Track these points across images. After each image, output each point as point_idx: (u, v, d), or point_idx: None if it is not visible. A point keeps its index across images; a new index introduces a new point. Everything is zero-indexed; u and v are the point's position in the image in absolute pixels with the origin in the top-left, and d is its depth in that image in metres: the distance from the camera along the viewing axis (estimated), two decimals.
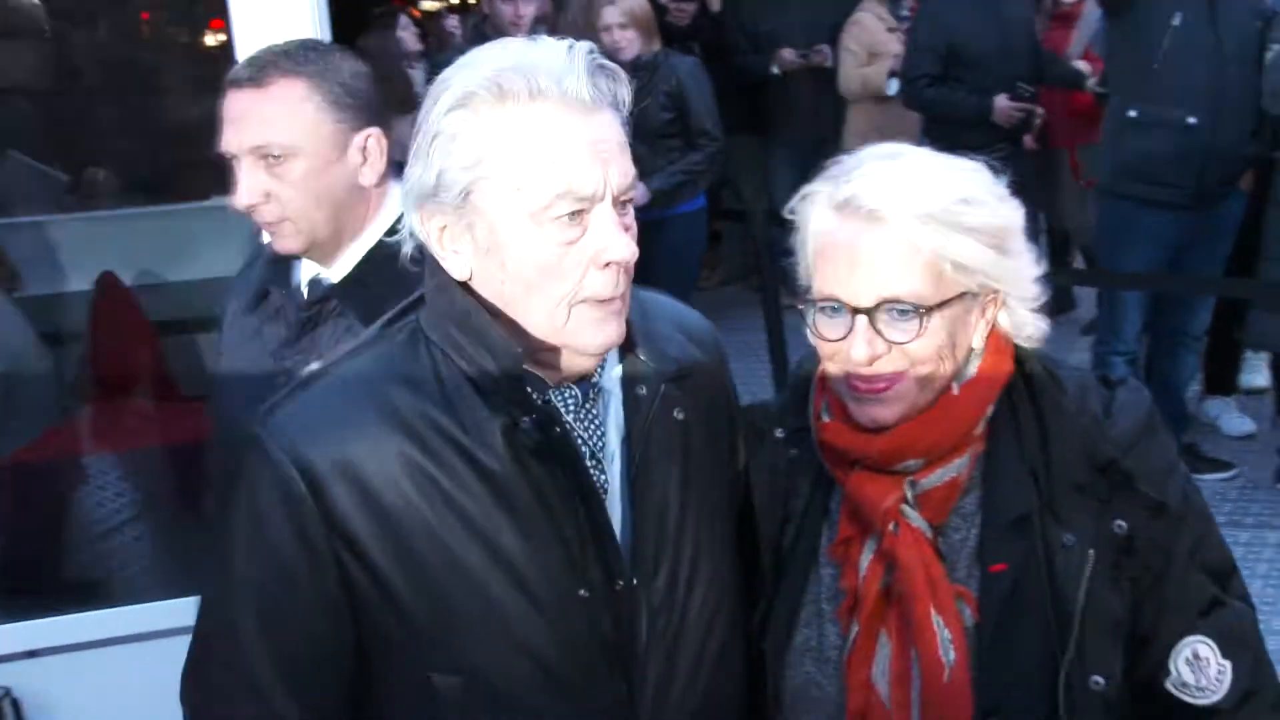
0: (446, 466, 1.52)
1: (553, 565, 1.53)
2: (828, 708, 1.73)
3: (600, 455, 1.59)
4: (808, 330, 1.69)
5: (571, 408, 1.58)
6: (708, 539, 1.68)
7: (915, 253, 1.61)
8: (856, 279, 1.62)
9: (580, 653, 1.55)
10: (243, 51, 2.57)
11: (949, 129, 6.83)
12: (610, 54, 5.73)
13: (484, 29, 5.97)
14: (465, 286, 1.55)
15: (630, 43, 5.63)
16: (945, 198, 1.62)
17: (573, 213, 1.47)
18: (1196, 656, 1.71)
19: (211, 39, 4.25)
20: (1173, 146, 4.95)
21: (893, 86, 7.02)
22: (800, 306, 1.70)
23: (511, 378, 1.51)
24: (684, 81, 5.65)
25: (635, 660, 1.59)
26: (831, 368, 1.70)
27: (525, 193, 1.47)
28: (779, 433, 1.82)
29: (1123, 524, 1.67)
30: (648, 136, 5.49)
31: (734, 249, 7.82)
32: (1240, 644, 1.74)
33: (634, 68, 5.69)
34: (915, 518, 1.69)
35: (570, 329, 1.52)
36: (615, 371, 1.63)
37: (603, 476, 1.59)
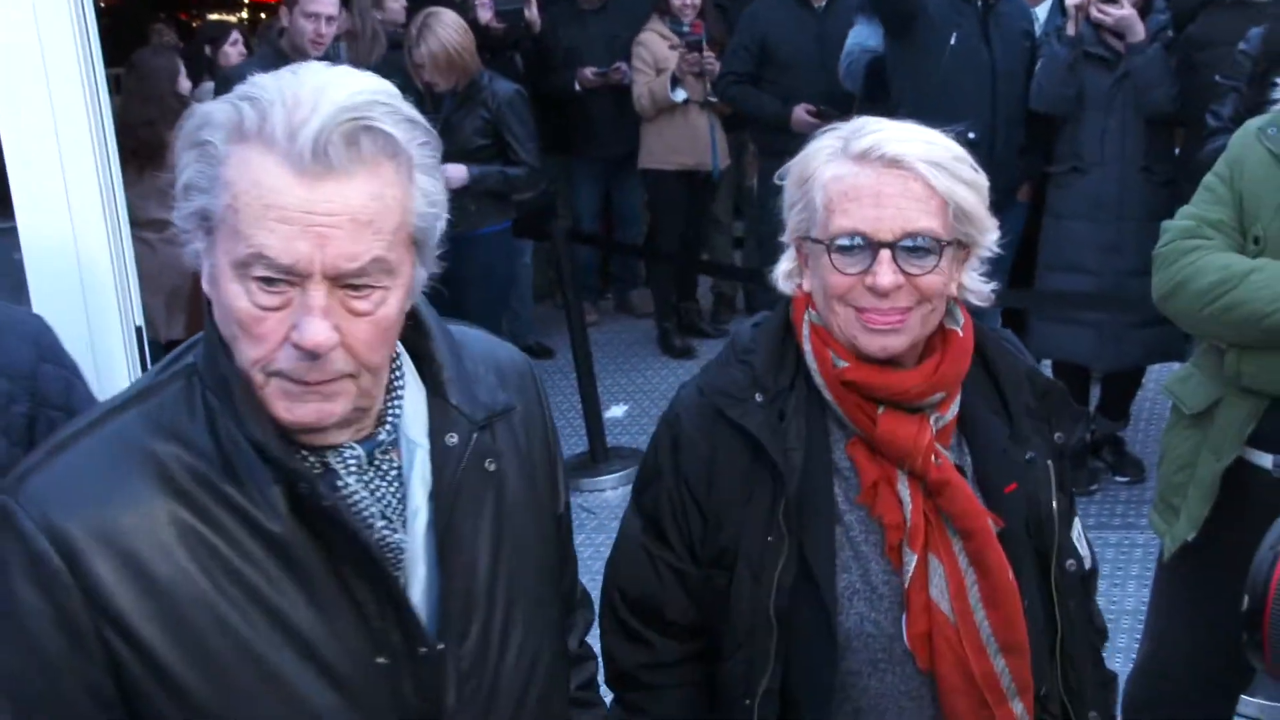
0: (224, 531, 1.39)
1: (346, 633, 1.43)
2: (881, 641, 1.90)
3: (393, 515, 1.47)
4: (785, 280, 1.93)
5: (353, 467, 1.45)
6: (521, 590, 1.59)
7: (931, 194, 1.80)
8: (882, 215, 1.79)
9: None
10: None
11: (751, 135, 7.01)
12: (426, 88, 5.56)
13: (280, 45, 5.77)
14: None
15: (437, 79, 5.62)
16: (947, 152, 1.83)
17: (270, 279, 1.32)
18: (1079, 534, 2.06)
19: None
20: None
21: (679, 95, 7.12)
22: (805, 249, 1.89)
23: (273, 441, 1.38)
24: (503, 111, 5.60)
25: None
26: (840, 308, 1.85)
27: (233, 241, 1.33)
28: (759, 397, 1.91)
29: (1061, 435, 2.00)
30: (460, 158, 5.44)
31: (540, 267, 7.79)
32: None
33: (450, 95, 5.67)
34: (941, 449, 1.89)
35: (268, 397, 1.38)
36: (421, 421, 1.52)
37: (396, 536, 1.46)
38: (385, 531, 1.45)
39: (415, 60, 5.64)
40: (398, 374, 1.51)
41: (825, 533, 1.90)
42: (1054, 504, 1.96)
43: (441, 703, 1.50)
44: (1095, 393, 5.67)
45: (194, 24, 11.49)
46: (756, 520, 1.90)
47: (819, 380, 1.90)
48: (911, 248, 1.79)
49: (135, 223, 2.72)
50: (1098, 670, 2.11)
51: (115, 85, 5.04)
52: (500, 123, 5.61)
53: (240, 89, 1.37)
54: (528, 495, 1.63)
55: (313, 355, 1.33)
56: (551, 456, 1.72)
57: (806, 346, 1.92)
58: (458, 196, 5.63)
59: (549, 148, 6.65)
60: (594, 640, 1.97)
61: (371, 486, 1.46)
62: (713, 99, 7.12)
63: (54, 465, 1.41)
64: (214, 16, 11.44)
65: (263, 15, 11.90)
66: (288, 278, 1.32)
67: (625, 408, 6.84)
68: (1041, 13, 5.49)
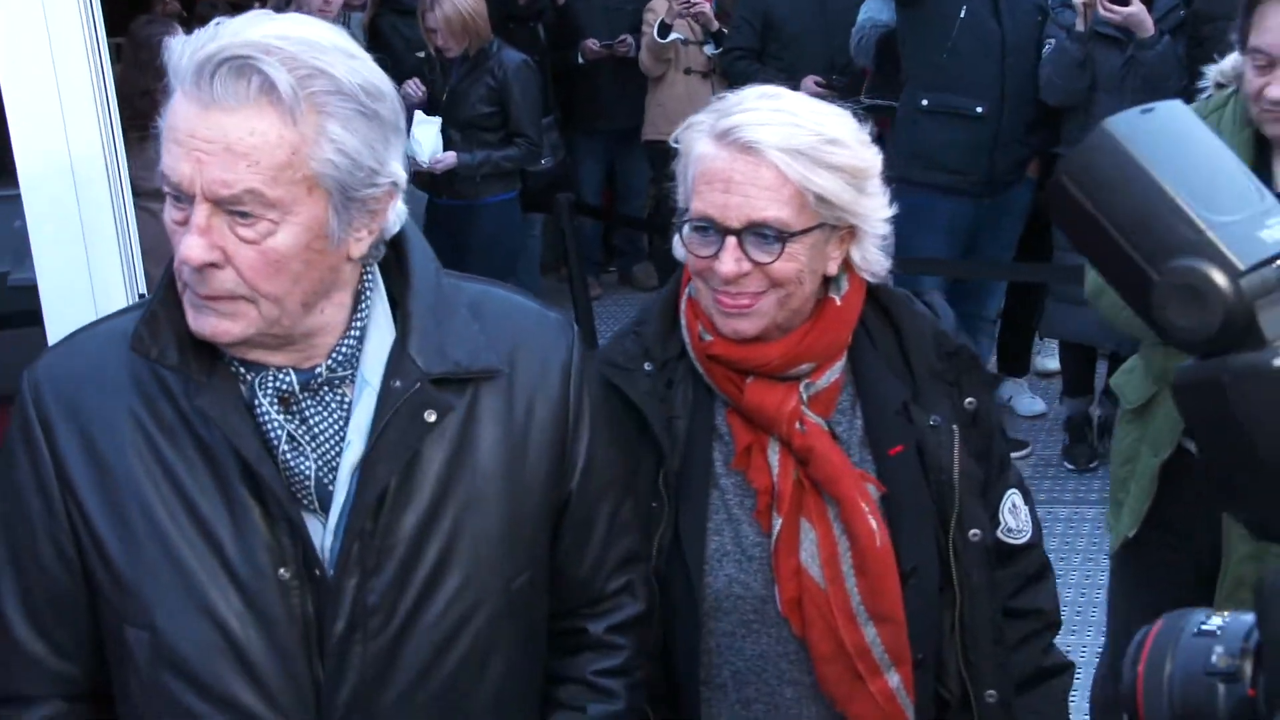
0: (169, 431, 1.56)
1: (254, 544, 1.56)
2: (752, 603, 1.90)
3: (322, 443, 1.58)
4: (680, 247, 1.87)
5: (271, 392, 1.56)
6: (469, 548, 1.63)
7: (783, 183, 1.77)
8: (729, 202, 1.78)
9: (276, 633, 1.57)
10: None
11: None
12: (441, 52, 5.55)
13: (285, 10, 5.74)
14: None
15: (449, 44, 5.58)
16: (813, 136, 1.78)
17: (175, 196, 1.46)
18: (1014, 506, 2.06)
19: None
20: (962, 135, 5.11)
21: (669, 37, 7.02)
22: (674, 224, 1.88)
23: (172, 350, 1.54)
24: (509, 79, 5.56)
25: (331, 651, 1.58)
26: (701, 285, 1.87)
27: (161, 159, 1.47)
28: (648, 365, 1.93)
29: (972, 400, 1.98)
30: (464, 126, 5.39)
31: (547, 239, 7.75)
32: (1024, 488, 2.11)
33: (460, 60, 5.63)
34: (813, 416, 1.90)
35: (185, 306, 1.51)
36: (379, 363, 1.60)
37: (304, 462, 1.56)
38: (288, 456, 1.56)
39: (428, 25, 5.61)
40: (360, 315, 1.60)
41: (700, 497, 1.92)
42: (955, 469, 1.92)
43: (331, 628, 1.58)
44: (1103, 372, 5.66)
45: None
46: (643, 488, 1.90)
47: (691, 353, 1.93)
48: (759, 235, 1.78)
49: (137, 192, 2.69)
50: (999, 648, 2.02)
51: (116, 54, 5.00)
52: (504, 92, 5.57)
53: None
54: (505, 460, 1.66)
55: (193, 267, 1.45)
56: (565, 433, 1.72)
57: (682, 319, 1.94)
58: (463, 168, 5.62)
59: (560, 121, 6.62)
60: None
61: (309, 414, 1.58)
62: (709, 52, 7.02)
63: (60, 348, 1.67)
64: None
65: None
66: (182, 195, 1.45)
67: None
68: None
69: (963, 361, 1.97)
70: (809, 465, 1.87)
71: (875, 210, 1.87)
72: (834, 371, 1.92)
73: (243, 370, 1.56)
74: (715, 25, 6.94)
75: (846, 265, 1.91)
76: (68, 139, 2.48)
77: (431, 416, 1.59)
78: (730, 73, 6.77)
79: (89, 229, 2.53)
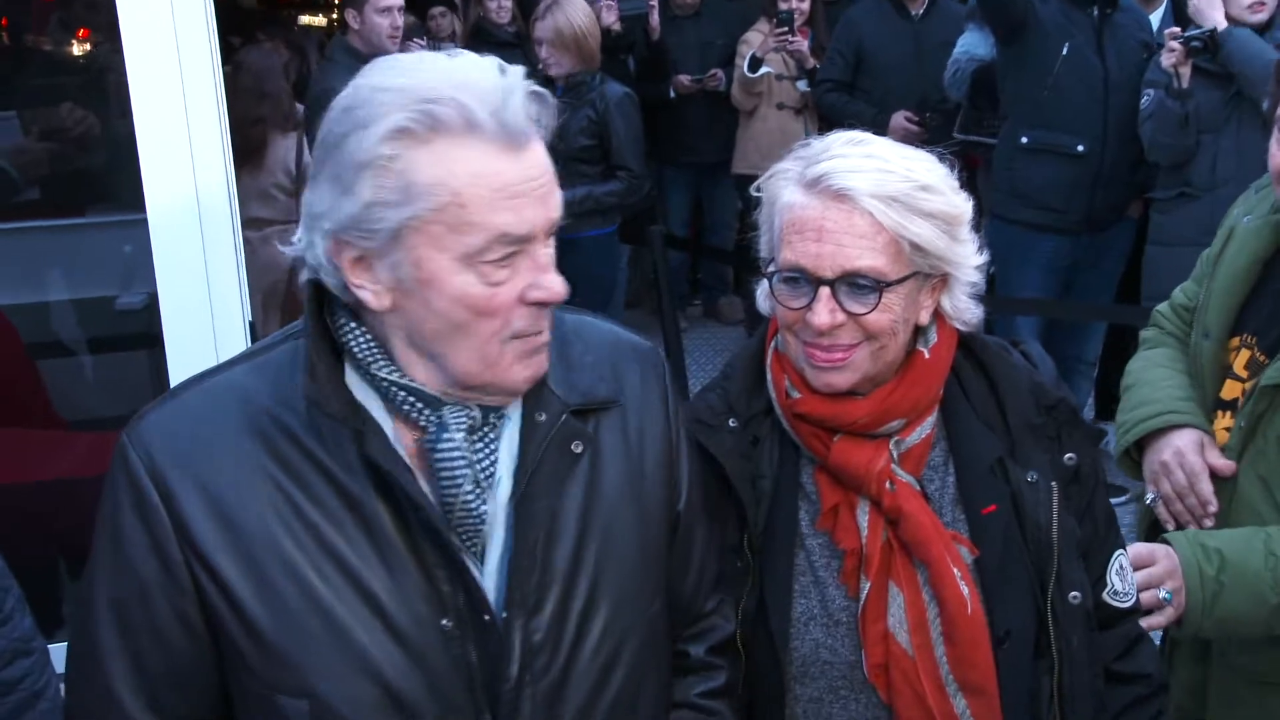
0: (306, 486, 1.49)
1: (412, 594, 1.50)
2: (840, 669, 1.84)
3: (484, 481, 1.53)
4: (765, 299, 1.83)
5: (464, 425, 1.52)
6: (610, 576, 1.61)
7: (878, 231, 1.72)
8: (823, 252, 1.73)
9: (440, 685, 1.51)
10: (132, 56, 2.45)
11: None
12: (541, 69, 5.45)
13: (353, 46, 5.68)
14: (354, 312, 1.51)
15: (557, 60, 5.47)
16: (907, 183, 1.73)
17: (507, 254, 1.43)
18: (1122, 567, 1.97)
19: (78, 48, 4.05)
20: (1063, 172, 5.03)
21: (759, 70, 6.99)
22: (762, 276, 1.82)
23: (335, 410, 1.48)
24: (611, 111, 5.51)
25: (504, 697, 1.53)
26: (790, 338, 1.81)
27: (459, 236, 1.41)
28: (732, 422, 1.87)
29: (1073, 456, 1.89)
30: (562, 158, 5.38)
31: (632, 272, 7.78)
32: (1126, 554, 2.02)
33: (561, 90, 5.54)
34: (904, 474, 1.83)
35: (500, 366, 1.49)
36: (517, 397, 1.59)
37: (481, 504, 1.52)
38: (469, 496, 1.50)
39: (536, 34, 5.54)
40: None
41: (785, 559, 1.85)
42: (1053, 528, 1.83)
43: (506, 673, 1.52)
44: None
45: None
46: (728, 547, 1.85)
47: (777, 409, 1.87)
48: (854, 286, 1.73)
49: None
50: (1101, 716, 1.92)
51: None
52: (606, 124, 5.53)
53: (369, 92, 1.42)
54: (629, 488, 1.65)
55: (544, 305, 1.47)
56: (672, 456, 1.72)
57: (768, 374, 1.88)
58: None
59: (649, 153, 6.63)
60: None
61: (474, 449, 1.53)
62: (802, 88, 7.01)
63: (164, 409, 1.55)
64: (304, 19, 11.50)
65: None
66: (518, 248, 1.43)
67: None
68: (1155, 19, 5.37)
69: (1063, 415, 1.89)
70: (899, 526, 1.80)
71: (968, 257, 1.82)
72: (925, 427, 1.85)
73: (420, 405, 1.51)
74: (810, 62, 6.93)
75: (936, 315, 1.86)
76: (194, 167, 2.53)
77: (579, 448, 1.59)
78: (821, 105, 6.78)
79: (210, 254, 2.57)
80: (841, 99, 6.57)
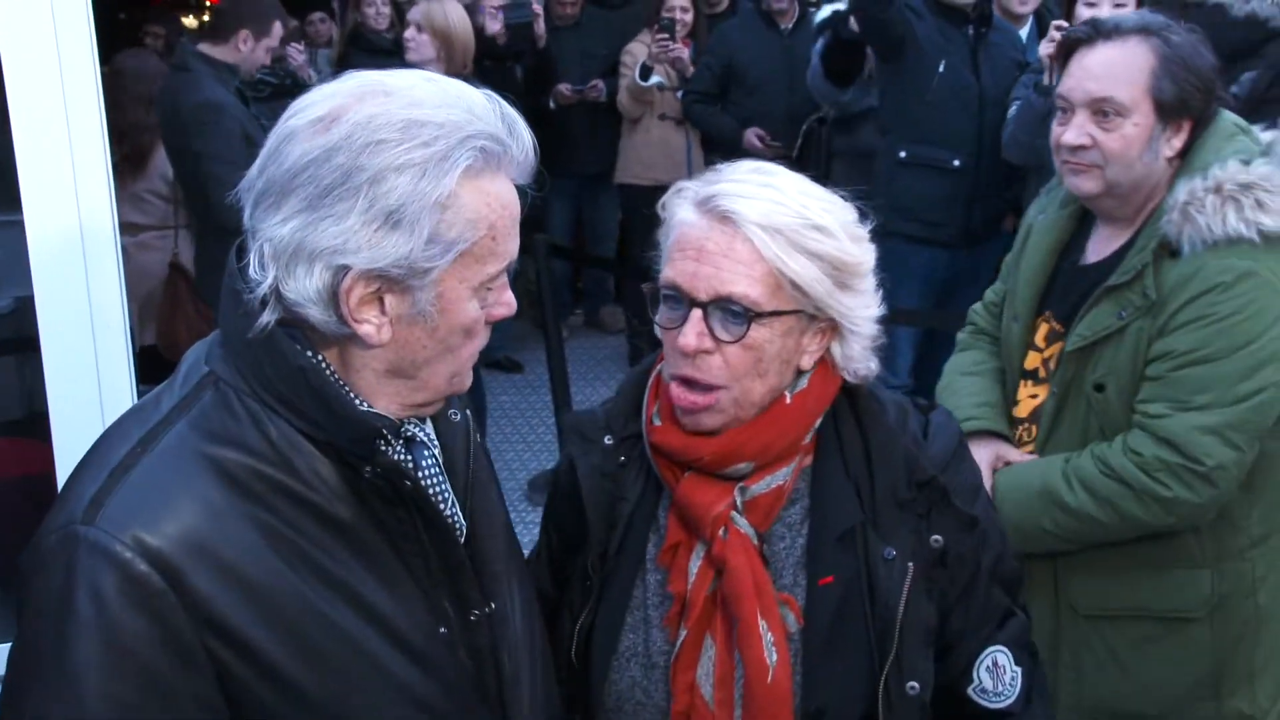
0: (295, 524, 1.42)
1: (415, 607, 1.50)
2: (652, 713, 1.79)
3: (441, 489, 1.55)
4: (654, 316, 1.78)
5: (435, 450, 1.56)
6: (508, 546, 1.68)
7: (757, 260, 1.68)
8: (699, 272, 1.69)
9: (454, 689, 1.53)
10: (9, 59, 2.36)
11: (718, 157, 7.03)
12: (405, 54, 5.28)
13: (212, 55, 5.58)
14: (295, 336, 1.43)
15: (418, 46, 5.32)
16: (797, 219, 1.69)
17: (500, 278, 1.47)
18: (995, 665, 1.86)
19: None
20: (940, 187, 5.15)
21: (651, 80, 7.06)
22: (645, 289, 1.79)
23: (362, 434, 1.44)
24: None
25: (503, 687, 1.58)
26: (668, 361, 1.76)
27: (483, 266, 1.43)
28: (608, 439, 1.84)
29: (939, 538, 1.78)
30: None
31: (513, 280, 7.73)
32: (1024, 651, 1.91)
33: None
34: (743, 524, 1.75)
35: (461, 377, 1.51)
36: None
37: (459, 513, 1.56)
38: (456, 510, 1.55)
39: (407, 18, 5.45)
40: None
41: (622, 590, 1.81)
42: (900, 611, 1.73)
43: (500, 664, 1.57)
44: None
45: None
46: (579, 565, 1.85)
47: (644, 435, 1.83)
48: (726, 311, 1.68)
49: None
50: None
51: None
52: None
53: (410, 134, 1.37)
54: (491, 478, 1.71)
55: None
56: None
57: (645, 397, 1.85)
58: None
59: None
60: None
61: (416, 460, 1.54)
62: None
63: (123, 487, 1.39)
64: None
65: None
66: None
67: None
68: (1021, 35, 5.52)
69: (934, 494, 1.78)
70: (722, 576, 1.74)
71: (859, 309, 1.76)
72: (777, 478, 1.77)
73: (386, 437, 1.48)
74: (691, 71, 7.00)
75: (818, 361, 1.79)
76: (74, 169, 2.44)
77: (479, 436, 1.64)
78: (688, 115, 6.86)
79: (91, 257, 2.49)
80: (706, 110, 6.70)
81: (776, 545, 1.79)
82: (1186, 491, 2.47)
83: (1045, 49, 4.73)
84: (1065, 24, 4.75)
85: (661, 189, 6.63)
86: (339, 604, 1.43)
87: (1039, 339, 2.74)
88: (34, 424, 2.06)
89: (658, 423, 1.80)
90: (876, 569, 1.75)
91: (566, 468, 1.89)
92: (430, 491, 1.52)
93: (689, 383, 1.73)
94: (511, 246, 1.44)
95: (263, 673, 1.39)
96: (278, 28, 5.16)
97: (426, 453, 1.54)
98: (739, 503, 1.75)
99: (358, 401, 1.46)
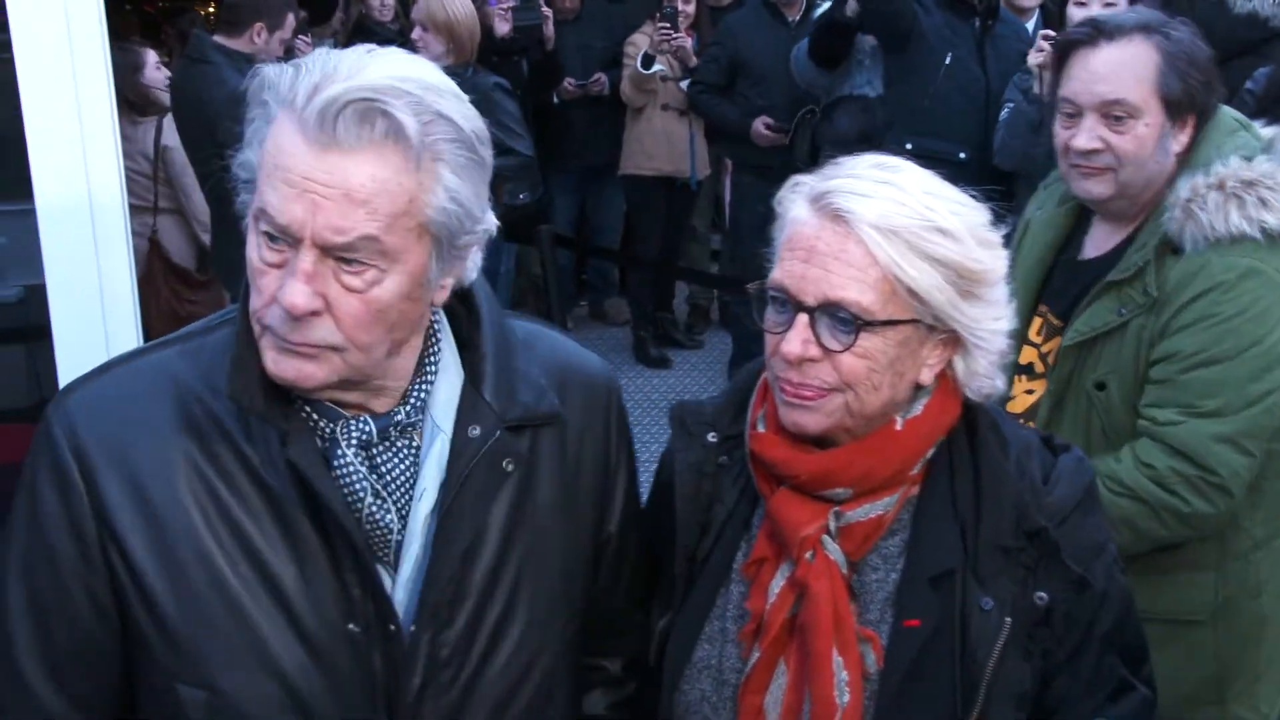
0: (229, 478, 1.46)
1: (322, 596, 1.47)
2: None
3: (396, 492, 1.51)
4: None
5: (356, 439, 1.49)
6: (530, 595, 1.59)
7: (870, 264, 1.55)
8: (808, 274, 1.57)
9: (343, 689, 1.49)
10: (21, 42, 2.37)
11: (723, 147, 7.05)
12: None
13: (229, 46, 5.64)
14: None
15: (426, 44, 5.35)
16: (918, 220, 1.56)
17: (270, 235, 1.38)
18: None
19: None
20: (946, 179, 5.14)
21: (653, 68, 7.08)
22: (752, 290, 1.66)
23: (258, 393, 1.45)
24: (484, 103, 5.44)
25: (404, 708, 1.51)
26: (770, 367, 1.65)
27: (257, 193, 1.39)
28: (711, 436, 1.74)
29: (1044, 595, 1.63)
30: None
31: (517, 273, 7.75)
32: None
33: None
34: (834, 550, 1.63)
35: (262, 348, 1.43)
36: (450, 408, 1.55)
37: (386, 515, 1.49)
38: (374, 508, 1.48)
39: (412, 16, 5.46)
40: (432, 358, 1.54)
41: (705, 598, 1.72)
42: (989, 667, 1.59)
43: (408, 684, 1.51)
44: None
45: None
46: (667, 561, 1.77)
47: (746, 438, 1.73)
48: (834, 319, 1.56)
49: None
50: None
51: None
52: (486, 114, 5.48)
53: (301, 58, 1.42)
54: (561, 508, 1.63)
55: (293, 316, 1.37)
56: (608, 481, 1.71)
57: (752, 399, 1.74)
58: None
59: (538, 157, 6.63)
60: None
61: (380, 461, 1.49)
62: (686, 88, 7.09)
63: (92, 385, 1.52)
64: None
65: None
66: (285, 238, 1.36)
67: None
68: (1030, 29, 5.52)
69: (1044, 546, 1.62)
70: (802, 602, 1.62)
71: (985, 320, 1.61)
72: (879, 506, 1.64)
73: (315, 417, 1.49)
74: (694, 61, 7.01)
75: (942, 380, 1.65)
76: (85, 157, 2.45)
77: (510, 466, 1.55)
78: (694, 106, 6.88)
79: (102, 246, 2.50)
80: (712, 100, 6.70)
81: (868, 577, 1.66)
82: (1205, 504, 2.41)
83: (1035, 59, 4.71)
84: (1053, 34, 4.76)
85: (664, 179, 6.78)
86: (241, 563, 1.46)
87: (1033, 333, 2.69)
88: (41, 411, 2.09)
89: (761, 429, 1.68)
90: (971, 618, 1.60)
91: (669, 458, 1.80)
92: (343, 484, 1.47)
93: None
94: (267, 194, 1.36)
95: (140, 593, 1.47)
96: (290, 20, 5.22)
97: (354, 452, 1.49)
98: (832, 527, 1.63)
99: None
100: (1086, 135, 2.47)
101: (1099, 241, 2.65)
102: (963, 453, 1.67)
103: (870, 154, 1.66)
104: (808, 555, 1.62)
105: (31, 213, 2.48)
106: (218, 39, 5.30)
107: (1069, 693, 1.68)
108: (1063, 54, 2.54)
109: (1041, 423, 2.58)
